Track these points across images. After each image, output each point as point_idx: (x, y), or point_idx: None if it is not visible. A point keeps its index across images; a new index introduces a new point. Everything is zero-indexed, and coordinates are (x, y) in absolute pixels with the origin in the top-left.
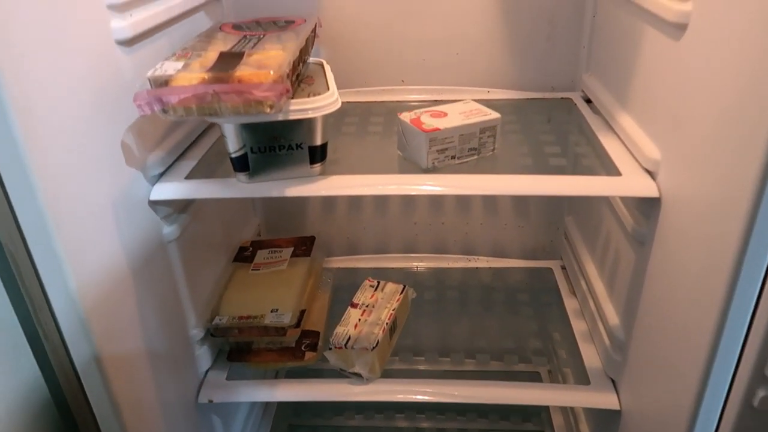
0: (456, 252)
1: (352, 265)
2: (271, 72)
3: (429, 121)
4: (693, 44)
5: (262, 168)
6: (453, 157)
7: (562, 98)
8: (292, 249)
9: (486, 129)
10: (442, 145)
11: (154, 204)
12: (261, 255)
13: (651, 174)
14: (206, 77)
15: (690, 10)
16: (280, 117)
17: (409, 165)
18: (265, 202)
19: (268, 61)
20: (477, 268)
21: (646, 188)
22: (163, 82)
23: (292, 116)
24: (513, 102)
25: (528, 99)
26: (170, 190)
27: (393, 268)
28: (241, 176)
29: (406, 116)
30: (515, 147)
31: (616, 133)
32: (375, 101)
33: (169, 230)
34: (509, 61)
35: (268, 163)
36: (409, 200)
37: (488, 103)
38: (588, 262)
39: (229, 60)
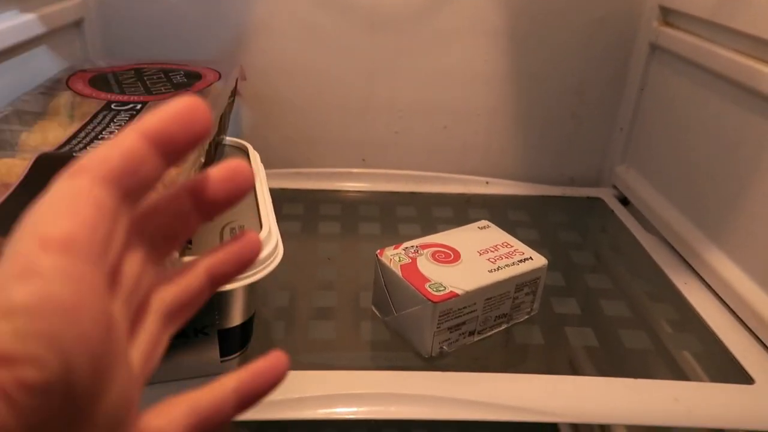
0: None
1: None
2: None
3: (434, 275)
4: None
5: None
6: (471, 333)
7: (588, 197)
8: None
9: (524, 284)
10: (458, 319)
11: None
12: None
13: None
14: None
15: None
16: None
17: (395, 339)
18: None
19: None
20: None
21: None
22: None
23: None
24: (522, 200)
25: (542, 196)
26: None
27: None
28: None
29: (391, 257)
30: (552, 296)
31: (711, 288)
32: (323, 189)
33: None
34: (517, 142)
35: None
36: None
37: (486, 199)
38: None
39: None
